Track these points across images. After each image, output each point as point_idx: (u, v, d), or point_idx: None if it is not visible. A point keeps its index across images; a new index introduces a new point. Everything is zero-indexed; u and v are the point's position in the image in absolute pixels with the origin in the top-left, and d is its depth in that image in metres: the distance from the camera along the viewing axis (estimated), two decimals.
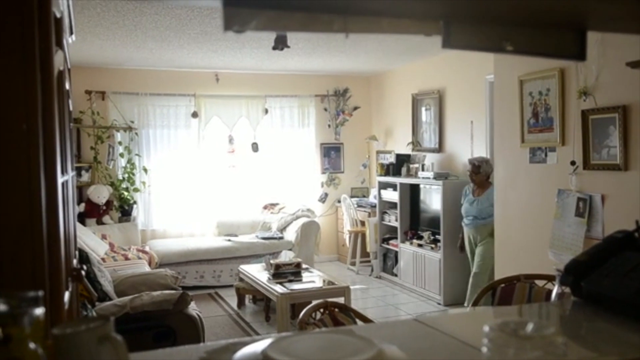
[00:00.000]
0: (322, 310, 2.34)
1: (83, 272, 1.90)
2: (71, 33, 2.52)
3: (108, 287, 4.23)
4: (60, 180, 1.44)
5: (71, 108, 2.55)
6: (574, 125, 4.26)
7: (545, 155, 4.55)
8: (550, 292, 2.30)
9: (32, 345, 0.89)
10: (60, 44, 1.66)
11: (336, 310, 2.38)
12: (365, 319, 2.42)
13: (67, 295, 1.60)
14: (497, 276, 4.85)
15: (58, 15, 1.59)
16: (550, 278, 2.53)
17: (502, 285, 2.64)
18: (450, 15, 1.07)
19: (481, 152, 6.31)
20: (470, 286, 5.60)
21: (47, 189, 1.29)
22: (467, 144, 6.56)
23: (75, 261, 2.14)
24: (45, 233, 1.27)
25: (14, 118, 1.23)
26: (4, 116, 1.23)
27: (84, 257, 3.82)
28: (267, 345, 1.00)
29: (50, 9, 1.36)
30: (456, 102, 6.79)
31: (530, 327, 0.87)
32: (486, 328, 0.87)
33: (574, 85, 4.23)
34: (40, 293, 0.89)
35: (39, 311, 0.90)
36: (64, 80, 1.84)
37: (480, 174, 5.64)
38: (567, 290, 1.53)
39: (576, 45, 1.20)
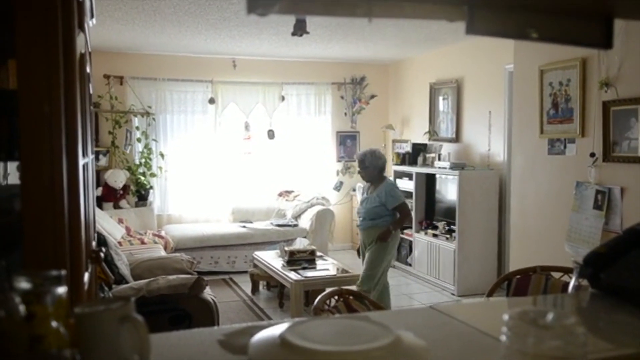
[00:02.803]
0: (336, 297, 2.35)
1: (102, 255, 1.92)
2: (92, 16, 2.53)
3: (125, 270, 4.27)
4: (81, 162, 1.46)
5: (91, 91, 2.57)
6: (594, 116, 4.20)
7: (564, 146, 4.50)
8: (566, 284, 2.28)
9: (54, 324, 0.90)
10: (82, 27, 1.67)
11: (351, 297, 2.39)
12: (380, 307, 2.42)
13: (86, 276, 1.62)
14: (512, 267, 4.83)
15: None
16: (567, 270, 2.51)
17: (518, 276, 2.62)
18: (475, 1, 1.05)
19: (499, 142, 6.26)
20: None
21: (68, 171, 1.30)
22: (484, 134, 6.50)
23: (94, 243, 2.17)
24: (67, 214, 1.29)
25: (36, 100, 1.24)
26: (27, 98, 1.24)
27: (102, 240, 3.87)
28: (284, 329, 1.01)
29: None
30: (474, 92, 6.72)
31: (550, 316, 0.87)
32: (505, 316, 0.87)
33: (595, 76, 4.17)
34: (63, 272, 0.90)
35: (62, 290, 0.92)
36: (85, 63, 1.85)
37: (367, 168, 4.82)
38: (585, 282, 1.52)
39: (602, 33, 1.18)
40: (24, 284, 0.88)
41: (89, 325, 0.90)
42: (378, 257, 4.78)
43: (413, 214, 6.94)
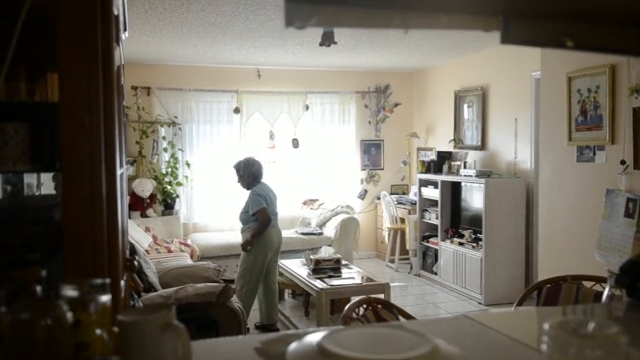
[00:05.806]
0: (365, 306, 2.34)
1: (135, 263, 1.95)
2: (125, 30, 2.58)
3: (153, 278, 4.32)
4: (118, 172, 1.49)
5: (124, 103, 2.62)
6: (624, 123, 4.14)
7: (594, 154, 4.44)
8: (599, 293, 2.25)
9: (98, 331, 0.92)
10: (117, 41, 1.71)
11: (379, 306, 2.38)
12: (408, 316, 2.41)
13: (122, 284, 1.65)
14: (541, 276, 4.77)
15: (116, 13, 1.64)
16: (599, 279, 2.47)
17: (548, 285, 2.59)
18: (510, 10, 1.06)
19: (526, 150, 6.20)
20: None
21: (107, 181, 1.33)
22: (510, 142, 6.45)
23: (127, 252, 2.20)
24: (105, 223, 1.32)
25: (77, 111, 1.28)
26: (68, 109, 1.27)
27: (131, 249, 3.92)
28: (321, 337, 1.02)
29: (111, 6, 1.40)
30: (500, 99, 6.68)
31: (591, 326, 0.86)
32: (546, 326, 0.86)
33: (625, 83, 4.12)
34: (108, 281, 0.92)
35: (106, 298, 0.94)
36: (120, 75, 1.89)
37: (242, 176, 5.16)
38: (618, 292, 1.50)
39: (638, 40, 1.17)
40: (71, 292, 0.90)
41: (132, 332, 0.92)
42: (245, 263, 5.04)
43: (438, 222, 6.92)
